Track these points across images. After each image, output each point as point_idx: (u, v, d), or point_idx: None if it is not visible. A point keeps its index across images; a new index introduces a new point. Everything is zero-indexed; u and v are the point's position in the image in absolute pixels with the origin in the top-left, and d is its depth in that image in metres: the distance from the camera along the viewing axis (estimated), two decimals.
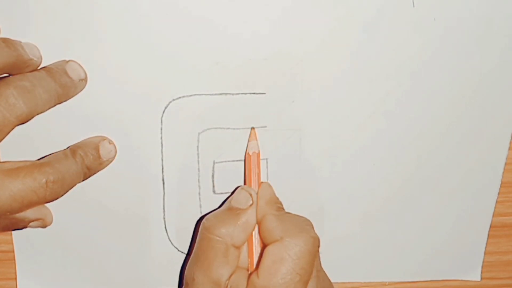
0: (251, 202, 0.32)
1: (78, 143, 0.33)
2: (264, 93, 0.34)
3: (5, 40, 0.30)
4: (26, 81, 0.29)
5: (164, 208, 0.35)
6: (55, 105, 0.30)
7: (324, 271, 0.33)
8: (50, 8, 0.31)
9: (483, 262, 0.39)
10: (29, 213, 0.32)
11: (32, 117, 0.29)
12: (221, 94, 0.33)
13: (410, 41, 0.33)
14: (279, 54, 0.33)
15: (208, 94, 0.33)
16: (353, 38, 0.33)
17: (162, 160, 0.34)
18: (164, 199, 0.35)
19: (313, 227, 0.32)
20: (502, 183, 0.37)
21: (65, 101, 0.31)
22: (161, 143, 0.34)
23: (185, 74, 0.33)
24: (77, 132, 0.33)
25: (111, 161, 0.33)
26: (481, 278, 0.39)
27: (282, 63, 0.33)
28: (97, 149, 0.32)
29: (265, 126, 0.34)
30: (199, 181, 0.35)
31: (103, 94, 0.32)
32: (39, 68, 0.31)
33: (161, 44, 0.32)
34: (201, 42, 0.32)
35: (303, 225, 0.32)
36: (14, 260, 0.36)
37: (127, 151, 0.34)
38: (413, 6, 0.32)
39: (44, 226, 0.34)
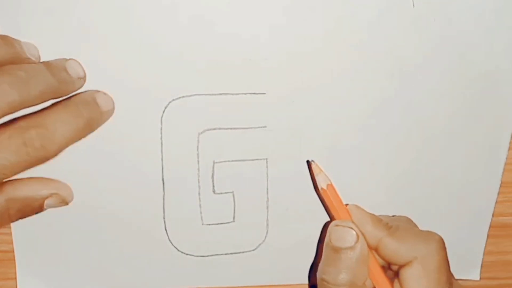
0: (356, 236, 0.31)
1: (71, 96, 0.31)
2: (264, 93, 0.34)
3: (3, 37, 0.29)
4: (23, 71, 0.28)
5: (164, 208, 0.35)
6: (50, 99, 0.30)
7: None
8: (50, 8, 0.31)
9: (482, 262, 0.39)
10: (39, 188, 0.31)
11: (24, 107, 0.29)
12: (221, 94, 0.33)
13: (410, 41, 0.33)
14: (279, 54, 0.33)
15: (208, 94, 0.33)
16: (353, 38, 0.33)
17: (162, 160, 0.34)
18: (164, 199, 0.35)
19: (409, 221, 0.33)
20: (502, 183, 0.37)
21: (61, 96, 0.31)
22: (161, 143, 0.34)
23: (185, 74, 0.33)
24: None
25: (111, 114, 0.32)
26: (480, 278, 0.39)
27: (282, 63, 0.33)
28: (94, 99, 0.31)
29: (265, 126, 0.34)
30: (199, 181, 0.35)
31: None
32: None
33: (161, 44, 0.32)
34: (201, 42, 0.32)
35: (423, 235, 0.31)
36: (14, 260, 0.36)
37: (127, 151, 0.34)
38: (413, 6, 0.32)
39: (64, 203, 0.33)
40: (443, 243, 0.31)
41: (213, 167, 0.35)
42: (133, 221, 0.35)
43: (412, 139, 0.35)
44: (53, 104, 0.30)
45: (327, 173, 0.34)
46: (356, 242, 0.31)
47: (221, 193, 0.35)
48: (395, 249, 0.31)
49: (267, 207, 0.36)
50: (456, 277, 0.39)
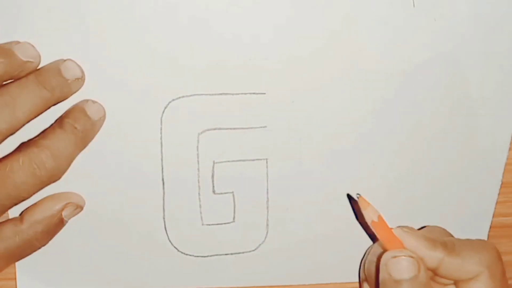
0: (417, 265, 0.29)
1: (63, 114, 0.32)
2: (264, 93, 0.34)
3: None
4: (6, 95, 0.29)
5: (164, 208, 0.35)
6: (46, 110, 0.30)
7: None
8: (50, 8, 0.31)
9: None
10: (52, 205, 0.32)
11: (17, 130, 0.29)
12: (221, 94, 0.33)
13: (410, 41, 0.33)
14: (279, 54, 0.33)
15: (208, 94, 0.33)
16: (353, 38, 0.33)
17: (162, 160, 0.34)
18: (164, 199, 0.35)
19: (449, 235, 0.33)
20: (502, 183, 0.37)
21: (60, 102, 0.31)
22: (161, 143, 0.34)
23: (185, 74, 0.33)
24: None
25: (103, 120, 0.32)
26: None
27: (282, 63, 0.33)
28: (83, 111, 0.31)
29: (265, 126, 0.34)
30: (199, 181, 0.35)
31: (103, 94, 0.32)
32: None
33: (161, 44, 0.32)
34: (201, 42, 0.32)
35: (480, 245, 0.31)
36: None
37: (127, 151, 0.34)
38: (413, 6, 0.32)
39: (79, 208, 0.34)
40: (498, 251, 0.31)
41: (213, 167, 0.35)
42: (133, 221, 0.35)
43: (412, 139, 0.35)
44: (51, 126, 0.31)
45: (327, 173, 0.34)
46: (418, 271, 0.29)
47: (221, 193, 0.35)
48: (460, 266, 0.30)
49: (267, 207, 0.36)
50: None
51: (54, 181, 0.31)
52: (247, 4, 0.32)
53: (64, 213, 0.33)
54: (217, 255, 0.37)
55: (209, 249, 0.37)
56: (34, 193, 0.30)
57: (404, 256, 0.29)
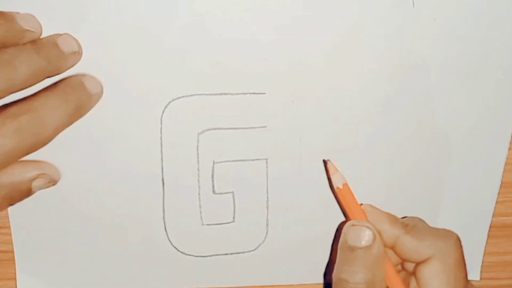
0: (372, 235, 0.31)
1: (58, 80, 0.30)
2: (264, 93, 0.34)
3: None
4: (5, 54, 0.27)
5: (163, 208, 0.35)
6: (42, 79, 0.29)
7: None
8: (49, 8, 0.31)
9: (482, 262, 0.39)
10: (24, 172, 0.30)
11: (12, 92, 0.28)
12: (221, 94, 0.33)
13: (410, 41, 0.33)
14: (279, 54, 0.33)
15: (208, 94, 0.33)
16: (353, 38, 0.33)
17: (161, 160, 0.34)
18: (163, 199, 0.35)
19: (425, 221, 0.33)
20: (502, 183, 0.37)
21: (55, 75, 0.30)
22: (161, 143, 0.34)
23: (185, 74, 0.33)
24: (77, 132, 0.32)
25: (100, 96, 0.31)
26: (481, 278, 0.39)
27: (282, 63, 0.33)
28: (81, 82, 0.30)
29: (265, 126, 0.34)
30: (198, 181, 0.35)
31: (103, 94, 0.32)
32: None
33: (161, 44, 0.32)
34: (201, 42, 0.32)
35: (441, 232, 0.32)
36: (14, 260, 0.36)
37: (127, 151, 0.34)
38: (413, 6, 0.32)
39: (52, 182, 0.32)
40: (460, 241, 0.31)
41: (213, 167, 0.35)
42: (133, 221, 0.35)
43: (412, 139, 0.35)
44: (41, 90, 0.30)
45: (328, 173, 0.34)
46: (373, 241, 0.31)
47: (221, 193, 0.35)
48: (414, 246, 0.31)
49: (267, 207, 0.36)
50: None
51: (36, 149, 0.29)
52: (247, 4, 0.32)
53: (34, 183, 0.31)
54: (217, 255, 0.37)
55: (209, 249, 0.37)
56: (14, 161, 0.28)
57: (363, 226, 0.31)
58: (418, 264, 0.32)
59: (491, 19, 0.33)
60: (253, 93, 0.33)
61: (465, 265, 0.32)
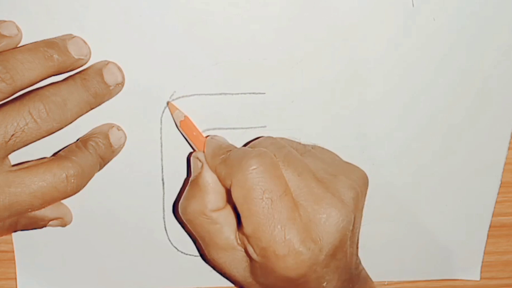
0: (200, 164, 0.31)
1: (87, 133, 0.33)
2: (264, 93, 0.34)
3: (52, 45, 0.30)
4: (59, 97, 0.29)
5: (164, 208, 0.35)
6: (87, 112, 0.31)
7: (302, 161, 0.31)
8: (49, 8, 0.31)
9: (482, 262, 0.39)
10: (48, 212, 0.33)
11: (63, 128, 0.30)
12: (221, 94, 0.33)
13: (410, 41, 0.33)
14: (279, 54, 0.33)
15: (208, 94, 0.33)
16: (353, 38, 0.33)
17: (161, 160, 0.34)
18: (163, 199, 0.35)
19: (266, 142, 0.31)
20: (502, 183, 0.37)
21: (100, 105, 0.31)
22: (161, 143, 0.34)
23: (185, 74, 0.33)
24: (77, 132, 0.33)
25: (122, 147, 0.33)
26: (481, 278, 0.39)
27: (282, 63, 0.33)
28: (107, 137, 0.32)
29: (265, 126, 0.34)
30: None
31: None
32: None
33: (161, 44, 0.32)
34: (201, 42, 0.32)
35: (244, 154, 0.29)
36: (14, 260, 0.36)
37: (127, 151, 0.34)
38: (413, 6, 0.32)
39: (63, 225, 0.34)
40: (262, 156, 0.29)
41: None
42: (133, 221, 0.35)
43: (411, 139, 0.35)
44: (75, 144, 0.32)
45: None
46: (201, 171, 0.31)
47: None
48: (222, 177, 0.30)
49: None
50: (456, 277, 0.39)
51: (55, 131, 0.30)
52: (247, 4, 0.32)
53: (50, 223, 0.33)
54: None
55: None
56: (34, 140, 0.30)
57: (193, 157, 0.31)
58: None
59: (490, 19, 0.33)
60: (253, 93, 0.33)
61: (274, 184, 0.28)
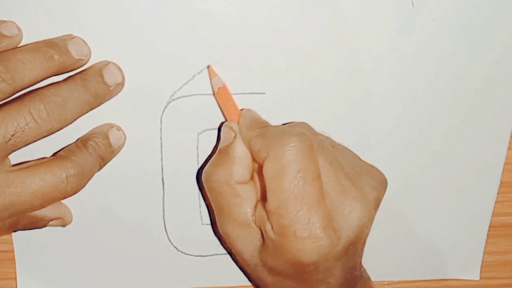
0: (233, 134, 0.31)
1: (87, 133, 0.33)
2: (264, 93, 0.34)
3: (52, 45, 0.30)
4: (59, 97, 0.29)
5: (163, 208, 0.35)
6: (87, 112, 0.31)
7: (335, 153, 0.31)
8: (49, 8, 0.31)
9: (482, 261, 0.39)
10: (49, 212, 0.33)
11: (63, 128, 0.30)
12: None
13: (410, 41, 0.33)
14: (279, 54, 0.33)
15: (208, 94, 0.33)
16: (353, 38, 0.33)
17: (161, 160, 0.34)
18: (163, 199, 0.35)
19: (304, 126, 0.31)
20: (502, 183, 0.37)
21: (100, 105, 0.32)
22: (161, 143, 0.34)
23: (185, 74, 0.33)
24: (77, 132, 0.33)
25: (122, 147, 0.33)
26: (480, 278, 0.39)
27: (282, 63, 0.33)
28: (107, 137, 0.32)
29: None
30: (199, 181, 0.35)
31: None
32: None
33: (161, 44, 0.32)
34: (201, 42, 0.32)
35: (284, 130, 0.29)
36: (14, 260, 0.36)
37: (127, 151, 0.34)
38: (413, 6, 0.32)
39: (64, 225, 0.34)
40: (304, 136, 0.29)
41: None
42: (133, 221, 0.35)
43: (411, 139, 0.35)
44: (75, 144, 0.32)
45: None
46: (234, 141, 0.30)
47: None
48: (257, 148, 0.30)
49: None
50: (456, 277, 0.39)
51: (56, 131, 0.30)
52: (247, 4, 0.32)
53: (51, 223, 0.33)
54: (217, 254, 0.37)
55: (209, 249, 0.37)
56: (35, 140, 0.30)
57: (226, 127, 0.31)
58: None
59: (490, 19, 0.33)
60: (253, 93, 0.33)
61: (310, 164, 0.28)
